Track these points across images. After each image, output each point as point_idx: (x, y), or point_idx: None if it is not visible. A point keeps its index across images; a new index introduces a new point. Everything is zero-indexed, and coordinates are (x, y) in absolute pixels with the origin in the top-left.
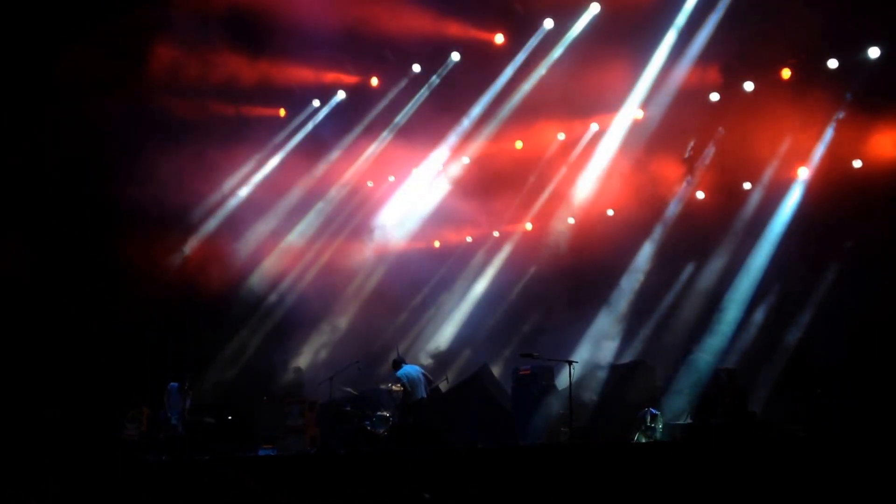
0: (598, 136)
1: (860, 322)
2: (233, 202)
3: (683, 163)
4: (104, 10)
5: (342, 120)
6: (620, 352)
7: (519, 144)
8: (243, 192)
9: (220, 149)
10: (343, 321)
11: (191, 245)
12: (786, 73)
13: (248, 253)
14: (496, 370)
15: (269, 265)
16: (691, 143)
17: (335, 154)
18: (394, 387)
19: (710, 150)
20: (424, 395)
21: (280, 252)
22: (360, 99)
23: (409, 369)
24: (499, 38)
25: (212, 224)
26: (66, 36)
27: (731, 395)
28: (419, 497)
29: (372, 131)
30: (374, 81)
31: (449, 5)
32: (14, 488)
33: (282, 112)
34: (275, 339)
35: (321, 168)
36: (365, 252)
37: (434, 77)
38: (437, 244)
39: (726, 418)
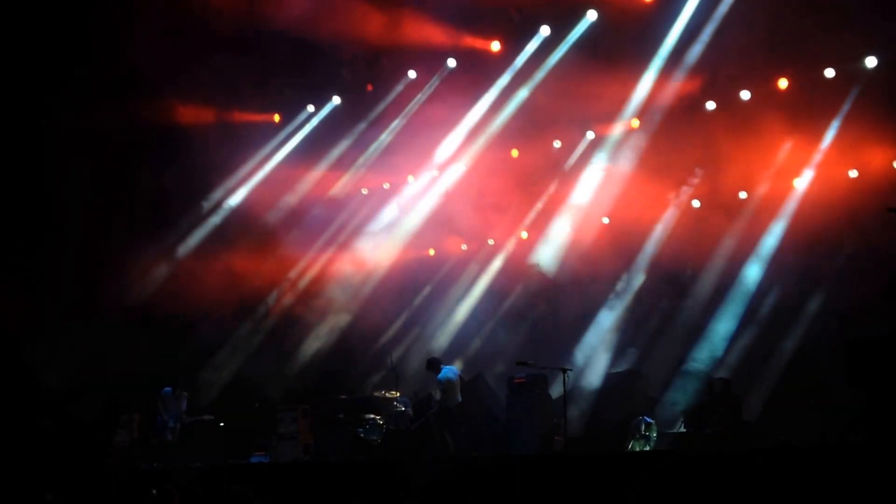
0: (594, 145)
1: (855, 331)
2: (226, 208)
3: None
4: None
5: (337, 125)
6: (615, 360)
7: (515, 153)
8: (238, 197)
9: (212, 154)
10: (337, 328)
11: (183, 251)
12: (782, 83)
13: (241, 258)
14: (490, 378)
15: (264, 271)
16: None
17: (329, 160)
18: (434, 391)
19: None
20: (461, 400)
21: (274, 257)
22: (355, 104)
23: (448, 371)
24: (495, 46)
25: (205, 230)
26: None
27: (726, 405)
28: None
29: (367, 137)
30: (369, 87)
31: (445, 11)
32: (7, 497)
33: (276, 118)
34: (268, 346)
35: (315, 174)
36: (359, 259)
37: (430, 83)
38: (431, 252)
39: (720, 427)
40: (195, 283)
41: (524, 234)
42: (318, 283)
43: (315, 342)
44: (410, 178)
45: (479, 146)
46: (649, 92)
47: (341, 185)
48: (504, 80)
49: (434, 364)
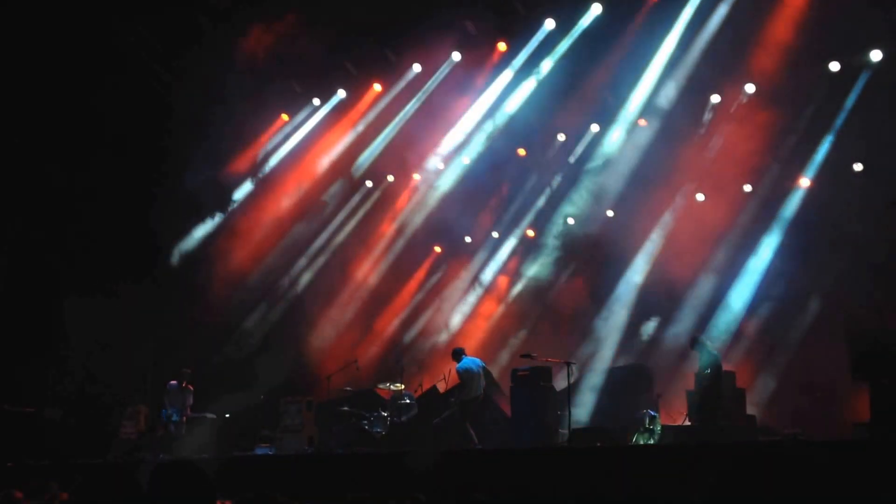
0: (597, 138)
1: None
2: (240, 192)
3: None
4: None
5: (343, 119)
6: (620, 353)
7: (522, 152)
8: (248, 184)
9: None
10: (342, 320)
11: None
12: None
13: (254, 244)
14: (494, 371)
15: (275, 258)
16: None
17: (335, 153)
18: (439, 382)
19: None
20: (480, 393)
21: (283, 247)
22: (360, 98)
23: (470, 362)
24: (501, 46)
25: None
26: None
27: (730, 398)
28: (413, 498)
29: (372, 131)
30: (378, 87)
31: (449, 3)
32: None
33: (284, 117)
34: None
35: (321, 167)
36: (363, 251)
37: (434, 77)
38: (437, 249)
39: (725, 421)
40: (207, 269)
41: (531, 233)
42: (325, 274)
43: (321, 332)
44: (414, 173)
45: (481, 140)
46: (654, 86)
47: (345, 178)
48: (508, 73)
49: (457, 355)
